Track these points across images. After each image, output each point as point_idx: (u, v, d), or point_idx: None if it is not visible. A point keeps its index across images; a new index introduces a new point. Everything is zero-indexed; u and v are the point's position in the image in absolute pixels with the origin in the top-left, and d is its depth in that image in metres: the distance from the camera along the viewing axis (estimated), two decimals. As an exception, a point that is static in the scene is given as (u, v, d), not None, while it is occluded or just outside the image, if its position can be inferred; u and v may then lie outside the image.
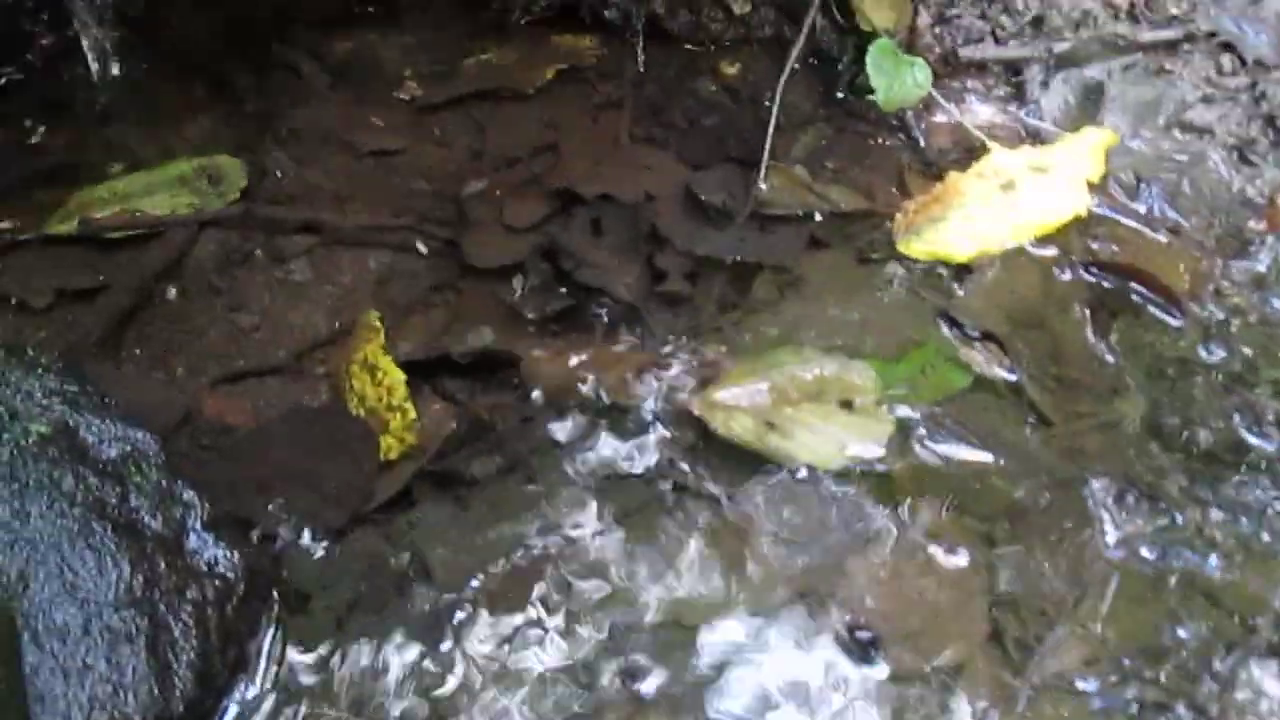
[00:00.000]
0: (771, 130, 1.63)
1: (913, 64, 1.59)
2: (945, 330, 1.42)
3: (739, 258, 1.50)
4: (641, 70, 1.83)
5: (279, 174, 1.69)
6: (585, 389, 1.36)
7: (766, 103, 1.71)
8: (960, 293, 1.46)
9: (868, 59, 1.58)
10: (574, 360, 1.40)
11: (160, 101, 1.83)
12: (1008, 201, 1.52)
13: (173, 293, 1.53)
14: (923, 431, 1.29)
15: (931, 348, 1.40)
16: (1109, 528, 1.20)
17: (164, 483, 1.11)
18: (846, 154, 1.69)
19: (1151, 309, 1.45)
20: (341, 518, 1.25)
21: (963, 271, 1.48)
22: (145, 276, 1.53)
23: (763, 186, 1.60)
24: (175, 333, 1.48)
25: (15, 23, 1.86)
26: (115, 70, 1.86)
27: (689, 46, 1.87)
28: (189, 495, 1.11)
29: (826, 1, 1.72)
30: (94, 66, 1.85)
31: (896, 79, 1.57)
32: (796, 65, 1.76)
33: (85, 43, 1.84)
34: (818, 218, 1.58)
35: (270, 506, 1.21)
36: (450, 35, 1.95)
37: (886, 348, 1.40)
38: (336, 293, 1.54)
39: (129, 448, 1.12)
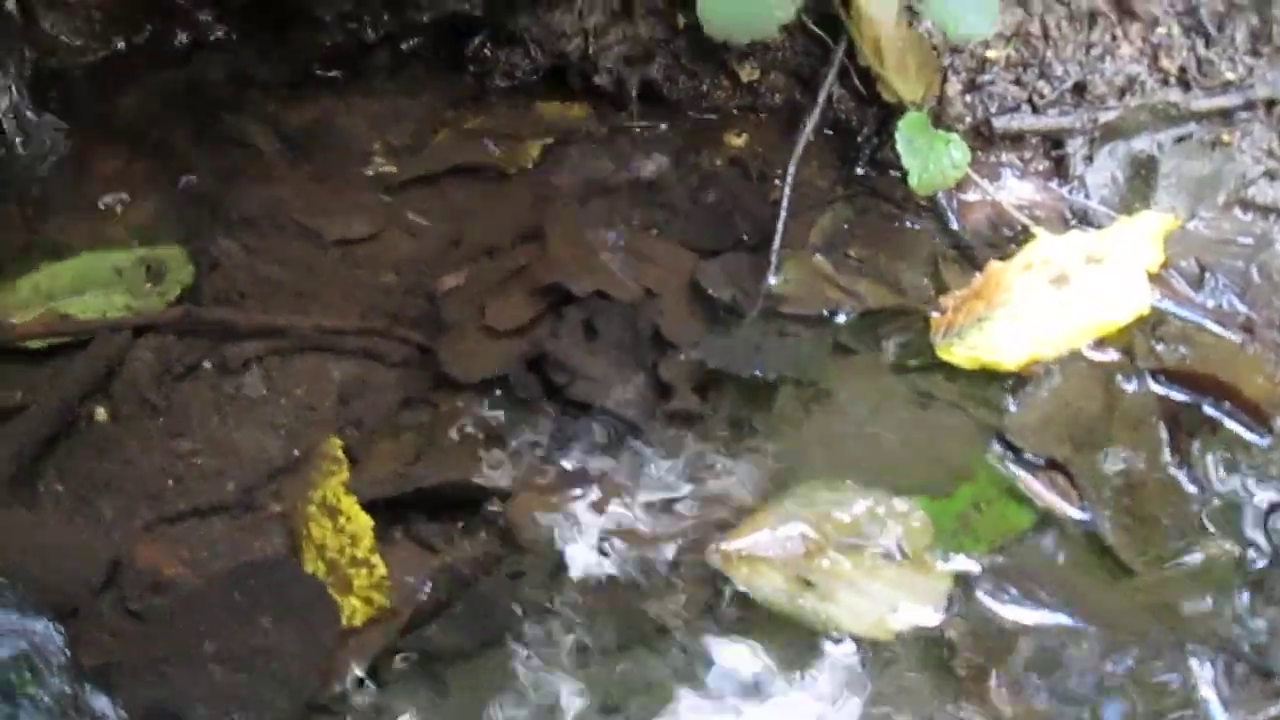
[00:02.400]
0: (784, 213, 1.44)
1: (948, 141, 1.41)
2: (999, 455, 1.23)
3: (755, 371, 1.30)
4: (637, 143, 1.65)
5: (229, 267, 1.49)
6: (582, 535, 1.16)
7: (778, 180, 1.53)
8: (1013, 408, 1.27)
9: (898, 136, 1.40)
10: (568, 498, 1.20)
11: (93, 180, 1.63)
12: (1060, 298, 1.34)
13: (102, 414, 1.32)
14: (984, 587, 1.10)
15: (985, 478, 1.20)
16: (1216, 711, 1.01)
17: (68, 689, 0.90)
18: (871, 239, 1.50)
19: (1232, 424, 1.26)
20: (294, 707, 1.04)
21: (1013, 382, 1.30)
22: (69, 395, 1.31)
23: (773, 281, 1.41)
24: (104, 464, 1.27)
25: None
26: (40, 142, 1.66)
27: (690, 115, 1.68)
28: (101, 705, 0.90)
29: (845, 68, 1.54)
30: (14, 138, 1.64)
31: (931, 158, 1.38)
32: (811, 137, 1.58)
33: (2, 110, 1.63)
34: (842, 317, 1.39)
35: (205, 708, 1.00)
36: (423, 102, 1.75)
37: (933, 478, 1.21)
38: (293, 411, 1.33)
39: (23, 645, 0.91)
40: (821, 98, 1.51)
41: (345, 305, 1.45)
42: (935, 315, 1.37)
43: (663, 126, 1.67)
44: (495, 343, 1.38)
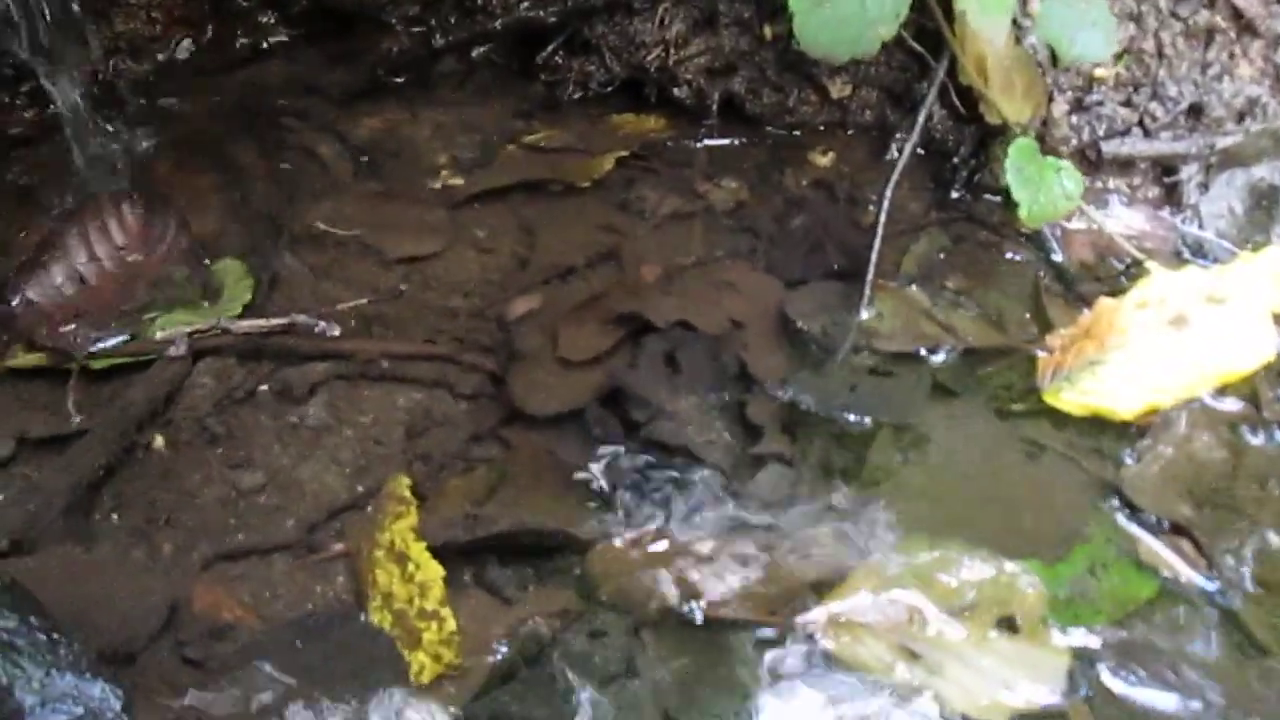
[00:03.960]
0: (878, 242, 1.36)
1: (1059, 169, 1.31)
2: (1117, 514, 1.14)
3: (849, 414, 1.22)
4: (717, 160, 1.57)
5: (290, 284, 1.43)
6: (667, 593, 1.08)
7: (871, 206, 1.44)
8: (1129, 462, 1.18)
9: (1007, 164, 1.30)
10: (650, 548, 1.12)
11: (153, 193, 1.57)
12: (1178, 342, 1.24)
13: (160, 442, 1.26)
14: (1107, 663, 1.01)
15: (1102, 540, 1.11)
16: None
17: (128, 760, 0.84)
18: (969, 269, 1.41)
19: (1370, 485, 1.17)
20: (360, 771, 0.98)
21: (1129, 432, 1.20)
22: (127, 421, 1.26)
23: (866, 315, 1.33)
24: (162, 496, 1.21)
25: (-8, 96, 1.62)
26: (100, 152, 1.60)
27: (772, 130, 1.60)
28: (161, 778, 0.84)
29: (943, 86, 1.45)
30: (74, 148, 1.59)
31: (1042, 189, 1.29)
32: (899, 154, 1.49)
33: (65, 120, 1.58)
34: (941, 355, 1.30)
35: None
36: (492, 113, 1.68)
37: (1045, 538, 1.11)
38: (358, 444, 1.27)
39: (80, 711, 0.85)
40: (921, 118, 1.42)
41: (411, 328, 1.38)
42: (1041, 355, 1.28)
43: (743, 142, 1.59)
44: (570, 374, 1.31)
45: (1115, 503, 1.14)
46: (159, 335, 1.33)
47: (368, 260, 1.47)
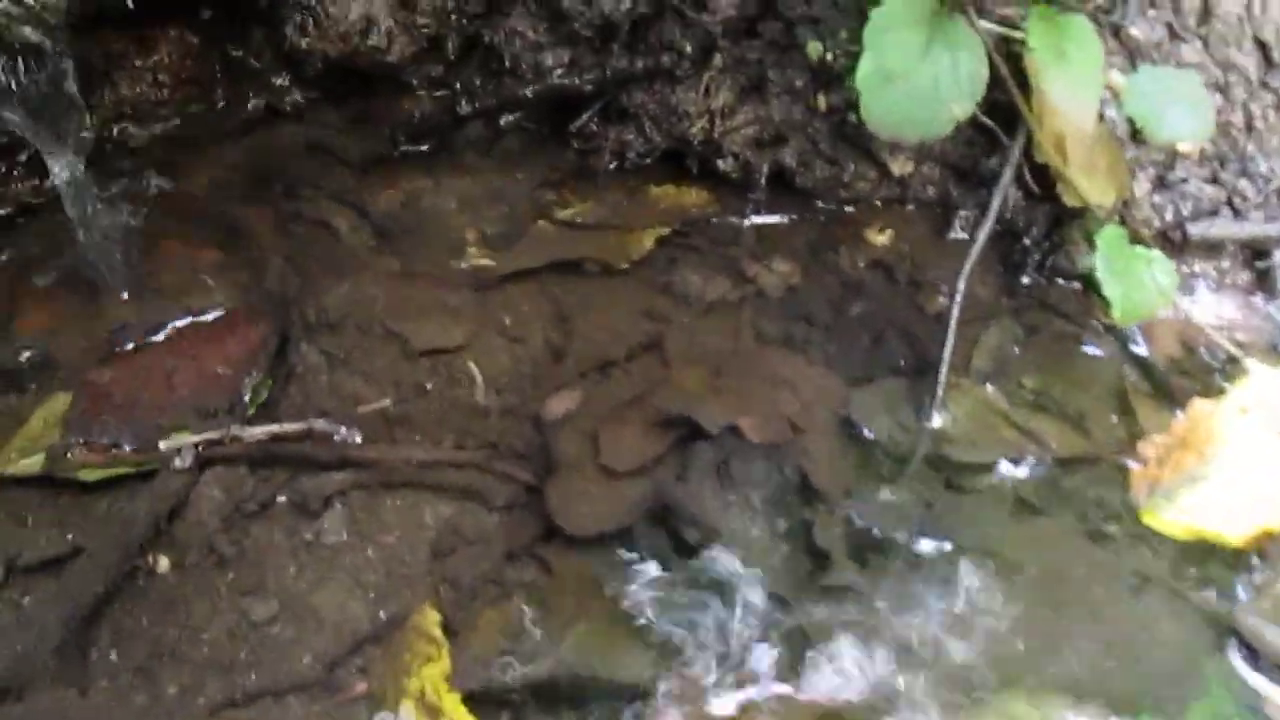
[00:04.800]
0: (951, 339, 1.24)
1: (1149, 259, 1.20)
2: (1234, 658, 1.02)
3: (925, 537, 1.10)
4: (766, 237, 1.46)
5: (308, 379, 1.32)
6: (735, 754, 0.96)
7: (937, 292, 1.33)
8: (1243, 596, 1.06)
9: (1096, 257, 1.19)
10: (713, 698, 1.00)
11: (159, 270, 1.46)
12: (1288, 453, 1.13)
13: (164, 564, 1.14)
14: None
15: (1220, 692, 0.99)
16: None
17: None
18: (1046, 365, 1.29)
19: None
20: None
21: (1242, 560, 1.08)
22: (128, 541, 1.14)
23: (938, 419, 1.21)
24: (165, 628, 1.09)
25: (-14, 168, 1.51)
26: (106, 228, 1.49)
27: (824, 205, 1.49)
28: None
29: (1015, 163, 1.34)
30: (73, 221, 1.48)
31: (1132, 281, 1.17)
32: (965, 235, 1.39)
33: (63, 191, 1.47)
34: (1023, 467, 1.18)
35: None
36: (521, 182, 1.57)
37: (1154, 687, 0.99)
38: (381, 565, 1.15)
39: None
40: (996, 202, 1.31)
41: (438, 430, 1.27)
42: (1135, 467, 1.16)
43: (793, 218, 1.48)
44: (613, 485, 1.19)
45: (1232, 645, 1.03)
46: (163, 444, 1.22)
47: (390, 350, 1.35)
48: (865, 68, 1.15)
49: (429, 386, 1.31)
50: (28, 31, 1.26)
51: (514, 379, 1.32)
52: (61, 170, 1.44)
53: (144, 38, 1.58)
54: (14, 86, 1.32)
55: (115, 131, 1.60)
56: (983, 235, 1.30)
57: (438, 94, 1.61)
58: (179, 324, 1.38)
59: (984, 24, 1.22)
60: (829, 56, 1.34)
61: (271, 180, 1.59)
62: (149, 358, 1.34)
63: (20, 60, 1.30)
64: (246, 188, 1.58)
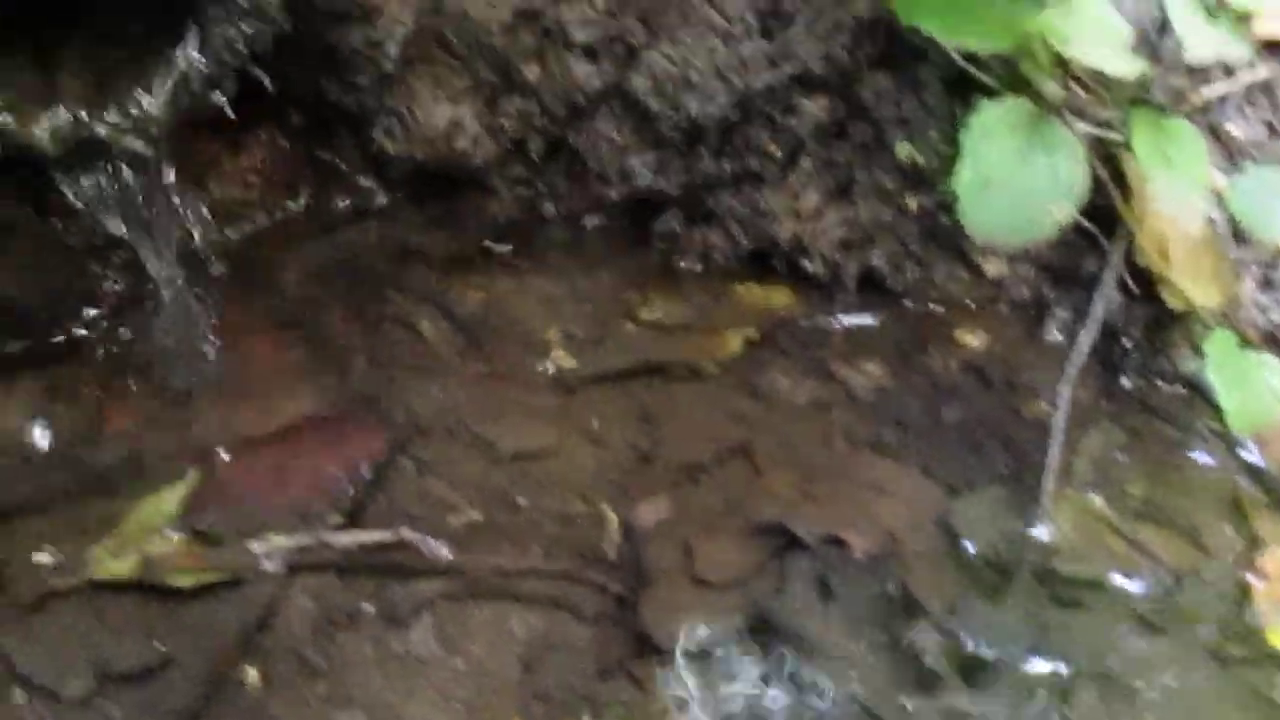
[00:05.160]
0: (1056, 449, 1.20)
1: (1262, 365, 1.16)
2: (1381, 799, 0.96)
3: (1037, 657, 1.06)
4: (855, 339, 1.44)
5: (394, 484, 1.31)
6: None
7: (1035, 398, 1.30)
8: (1386, 728, 1.00)
9: (1207, 362, 1.15)
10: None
11: (249, 372, 1.47)
12: None
13: (253, 675, 1.13)
14: None
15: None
16: None
17: None
18: (1152, 472, 1.25)
19: None
20: None
21: (1380, 688, 1.03)
22: (219, 651, 1.14)
23: (1043, 531, 1.17)
24: (254, 744, 1.08)
25: (83, 268, 1.54)
26: (195, 327, 1.51)
27: (913, 306, 1.47)
28: None
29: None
30: (170, 323, 1.50)
31: (1247, 389, 1.14)
32: (1060, 336, 1.36)
33: (162, 293, 1.50)
34: (1135, 581, 1.13)
35: None
36: (604, 283, 1.57)
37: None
38: (470, 678, 1.12)
39: None
40: (1099, 308, 1.28)
41: (526, 538, 1.25)
42: (1255, 583, 1.11)
43: (882, 319, 1.46)
44: (707, 598, 1.16)
45: (1377, 783, 0.97)
46: (254, 548, 1.22)
47: (476, 454, 1.34)
48: (963, 174, 1.14)
49: (516, 490, 1.30)
50: (133, 141, 1.30)
51: (601, 485, 1.30)
52: (157, 271, 1.47)
53: (237, 141, 1.62)
54: (116, 194, 1.36)
55: (207, 232, 1.63)
56: (1085, 341, 1.26)
57: (522, 194, 1.62)
58: (266, 427, 1.39)
59: (1081, 126, 1.21)
60: (919, 158, 1.33)
61: (357, 280, 1.61)
62: (236, 461, 1.35)
63: (123, 168, 1.35)
64: (332, 287, 1.60)
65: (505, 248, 1.62)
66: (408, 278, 1.61)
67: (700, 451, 1.32)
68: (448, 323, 1.53)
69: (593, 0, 1.51)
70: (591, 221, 1.58)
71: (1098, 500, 1.20)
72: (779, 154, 1.39)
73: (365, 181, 1.69)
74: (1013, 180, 1.13)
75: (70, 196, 1.34)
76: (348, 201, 1.69)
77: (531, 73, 1.53)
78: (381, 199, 1.69)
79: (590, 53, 1.50)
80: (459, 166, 1.61)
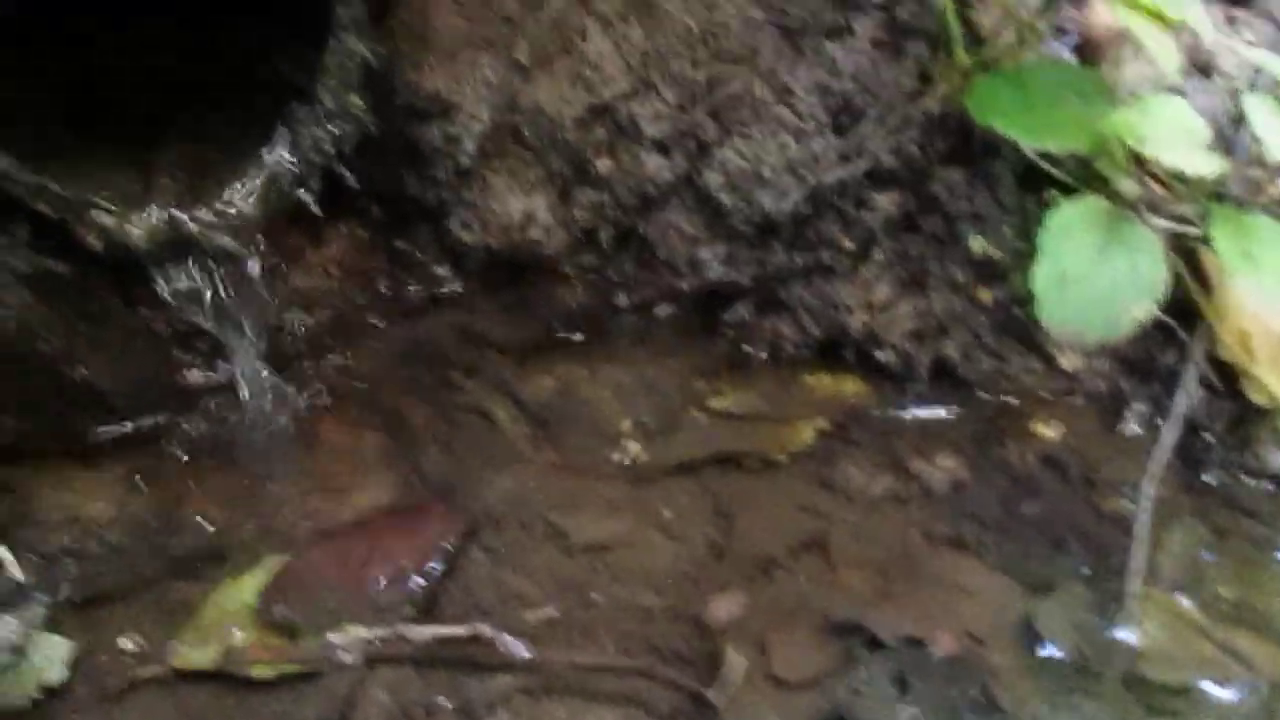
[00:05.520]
0: (1140, 553, 1.18)
1: (1352, 463, 1.14)
2: None
3: (1131, 767, 1.03)
4: (928, 430, 1.43)
5: (469, 574, 1.32)
6: None
7: (1115, 494, 1.28)
8: None
9: (1296, 464, 1.13)
10: None
11: (325, 458, 1.50)
12: None
13: (331, 771, 1.14)
14: None
15: None
16: None
17: None
18: (1243, 573, 1.21)
19: None
20: None
21: None
22: (298, 747, 1.15)
23: (1131, 639, 1.14)
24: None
25: (168, 356, 1.58)
26: (275, 414, 1.55)
27: (984, 395, 1.46)
28: None
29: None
30: (251, 410, 1.54)
31: (1337, 490, 1.11)
32: (1138, 429, 1.34)
33: (243, 383, 1.54)
34: (1230, 691, 1.10)
35: None
36: (674, 371, 1.58)
37: None
38: (547, 778, 1.13)
39: None
40: (1181, 405, 1.26)
41: (600, 632, 1.25)
42: (1355, 694, 1.07)
43: (955, 409, 1.45)
44: (784, 697, 1.15)
45: None
46: (333, 638, 1.23)
47: (551, 546, 1.35)
48: (1041, 272, 1.14)
49: (590, 583, 1.30)
50: (224, 239, 1.35)
51: (675, 578, 1.30)
52: (240, 361, 1.51)
53: (319, 233, 1.67)
54: (205, 287, 1.40)
55: (286, 320, 1.68)
56: (1169, 437, 1.25)
57: (592, 283, 1.65)
58: (342, 515, 1.41)
59: (1159, 221, 1.20)
60: (992, 252, 1.33)
61: (431, 367, 1.64)
62: (313, 549, 1.36)
63: (213, 263, 1.39)
64: (407, 374, 1.63)
65: (576, 335, 1.65)
66: (481, 364, 1.63)
67: (774, 545, 1.31)
68: (520, 411, 1.55)
69: (664, 95, 1.55)
70: (662, 311, 1.60)
71: (1185, 602, 1.17)
72: (851, 246, 1.41)
73: (440, 270, 1.72)
74: (1091, 278, 1.13)
75: (160, 289, 1.39)
76: (423, 289, 1.73)
77: (603, 165, 1.57)
78: (456, 286, 1.72)
79: (661, 147, 1.53)
80: (531, 255, 1.65)
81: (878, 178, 1.37)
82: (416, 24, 1.53)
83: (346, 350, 1.68)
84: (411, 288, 1.74)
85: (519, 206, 1.60)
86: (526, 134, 1.57)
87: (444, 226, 1.63)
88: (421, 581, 1.28)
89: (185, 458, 1.50)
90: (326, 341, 1.69)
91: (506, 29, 1.54)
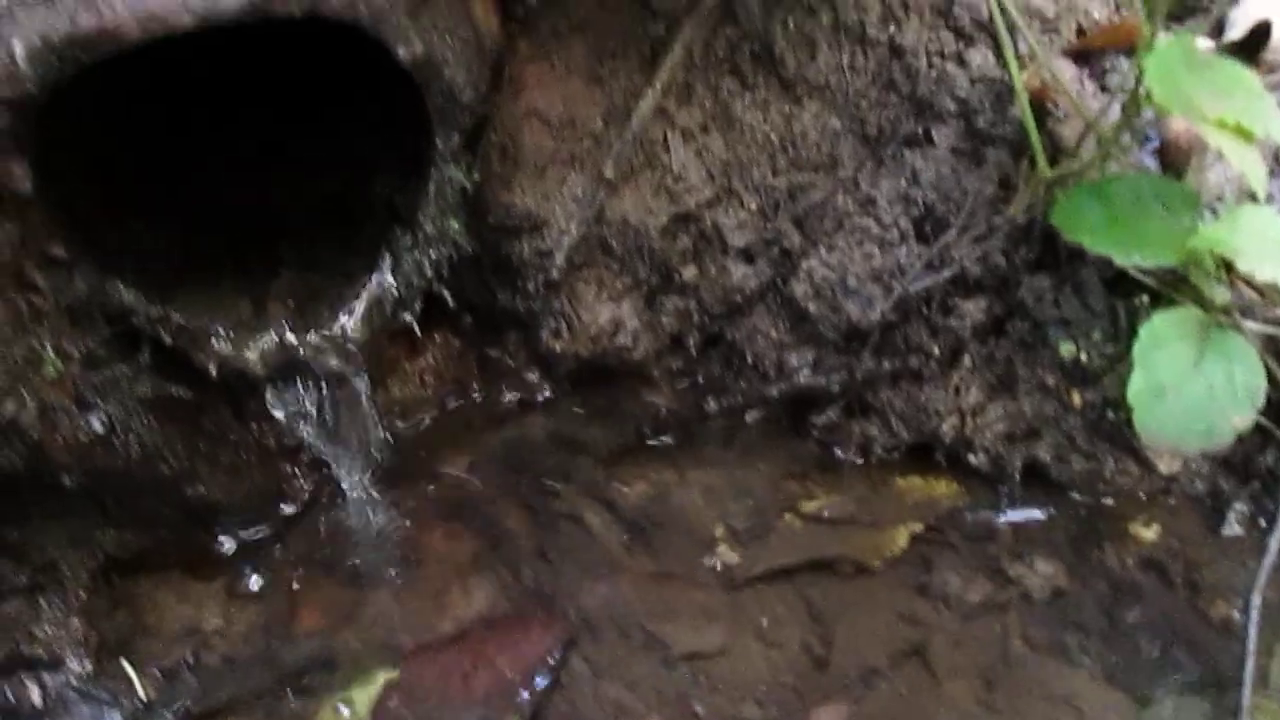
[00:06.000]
0: (1252, 659, 1.17)
1: None
2: None
3: None
4: (1023, 533, 1.43)
5: (571, 686, 1.34)
6: None
7: (1226, 603, 1.26)
8: None
9: None
10: None
11: (425, 566, 1.54)
12: None
13: None
14: None
15: None
16: None
17: None
18: (1358, 681, 1.20)
19: None
20: None
21: None
22: None
23: (1250, 747, 1.13)
24: None
25: (276, 469, 1.64)
26: (376, 524, 1.60)
27: (1079, 497, 1.45)
28: None
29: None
30: (354, 521, 1.59)
31: None
32: (1240, 530, 1.32)
33: (348, 492, 1.59)
34: (1353, 808, 1.08)
35: None
36: (761, 473, 1.60)
37: None
38: None
39: None
40: (1285, 513, 1.26)
41: (704, 744, 1.27)
42: None
43: (1050, 511, 1.45)
44: (893, 815, 1.15)
45: None
46: (442, 755, 1.26)
47: (650, 655, 1.37)
48: (1136, 384, 1.14)
49: (692, 695, 1.31)
50: (332, 360, 1.41)
51: (775, 688, 1.31)
52: (345, 472, 1.57)
53: (414, 344, 1.73)
54: (313, 408, 1.47)
55: (387, 429, 1.74)
56: (1275, 544, 1.23)
57: (680, 388, 1.68)
58: (445, 626, 1.45)
59: (1253, 325, 1.21)
60: (1082, 356, 1.34)
61: (524, 472, 1.67)
62: (419, 661, 1.40)
63: (321, 384, 1.45)
64: (501, 480, 1.67)
65: (666, 439, 1.68)
66: (573, 469, 1.67)
67: (874, 654, 1.31)
68: (613, 516, 1.58)
69: (746, 203, 1.60)
70: (751, 416, 1.63)
71: (1300, 714, 1.16)
72: (939, 352, 1.42)
73: (531, 375, 1.77)
74: (1187, 389, 1.13)
75: (273, 408, 1.45)
76: (514, 395, 1.78)
77: (689, 273, 1.61)
78: (546, 392, 1.77)
79: (746, 255, 1.57)
80: (620, 361, 1.68)
81: (964, 285, 1.40)
82: (506, 145, 1.60)
83: (441, 456, 1.73)
84: (503, 394, 1.79)
85: (607, 314, 1.64)
86: (613, 244, 1.62)
87: (535, 335, 1.68)
88: (526, 695, 1.31)
89: (295, 567, 1.56)
90: (422, 448, 1.75)
91: (592, 145, 1.60)
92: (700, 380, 1.66)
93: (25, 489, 1.28)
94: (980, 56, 1.52)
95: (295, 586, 1.52)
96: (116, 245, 1.34)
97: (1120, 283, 1.32)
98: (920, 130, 1.49)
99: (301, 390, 1.44)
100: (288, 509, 1.62)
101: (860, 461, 1.55)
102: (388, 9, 1.18)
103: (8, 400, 1.19)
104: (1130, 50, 1.45)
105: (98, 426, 1.29)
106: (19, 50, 0.99)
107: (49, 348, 1.24)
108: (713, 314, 1.63)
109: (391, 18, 1.18)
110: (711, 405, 1.61)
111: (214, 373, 1.36)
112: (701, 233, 1.61)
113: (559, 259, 1.61)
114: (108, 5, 0.93)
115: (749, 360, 1.60)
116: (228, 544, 1.56)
